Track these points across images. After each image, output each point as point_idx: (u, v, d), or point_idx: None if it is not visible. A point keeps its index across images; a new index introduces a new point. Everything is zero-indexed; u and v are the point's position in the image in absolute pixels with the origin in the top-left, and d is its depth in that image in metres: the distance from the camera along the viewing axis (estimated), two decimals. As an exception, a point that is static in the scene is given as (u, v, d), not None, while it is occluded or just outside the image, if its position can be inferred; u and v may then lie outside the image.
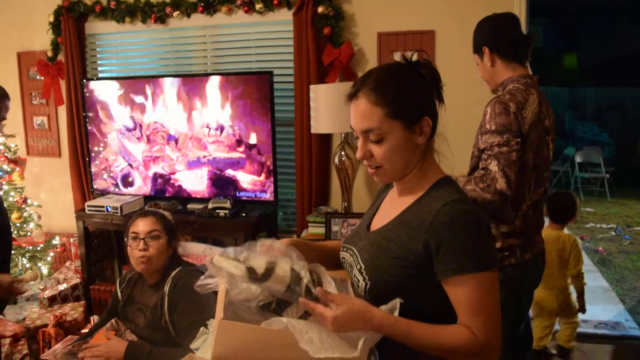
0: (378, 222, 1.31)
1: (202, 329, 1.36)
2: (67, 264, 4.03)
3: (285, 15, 3.39)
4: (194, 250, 3.30)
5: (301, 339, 1.09)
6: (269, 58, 3.57)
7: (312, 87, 3.11)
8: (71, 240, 4.00)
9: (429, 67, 1.21)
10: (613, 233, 6.47)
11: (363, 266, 1.22)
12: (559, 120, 12.53)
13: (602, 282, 4.72)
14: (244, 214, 3.30)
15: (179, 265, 2.10)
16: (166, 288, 2.00)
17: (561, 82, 12.30)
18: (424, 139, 1.20)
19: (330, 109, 2.95)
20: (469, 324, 1.11)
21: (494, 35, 2.04)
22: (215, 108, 3.39)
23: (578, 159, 8.80)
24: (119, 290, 2.22)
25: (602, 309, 4.01)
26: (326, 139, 3.34)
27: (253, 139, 3.34)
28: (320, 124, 3.03)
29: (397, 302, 1.13)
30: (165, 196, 3.63)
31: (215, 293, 1.24)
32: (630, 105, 12.79)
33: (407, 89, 1.18)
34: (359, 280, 1.23)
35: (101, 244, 3.93)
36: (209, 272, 1.20)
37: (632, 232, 6.48)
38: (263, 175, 3.36)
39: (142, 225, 2.05)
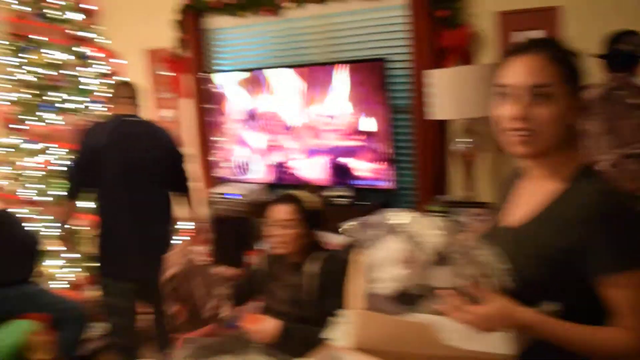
0: (518, 217, 1.24)
1: (336, 318, 1.36)
2: (199, 249, 4.30)
3: (398, 0, 3.33)
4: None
5: (446, 331, 1.09)
6: (383, 44, 3.53)
7: (428, 72, 3.04)
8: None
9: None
10: None
11: (506, 267, 1.17)
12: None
13: None
14: (362, 202, 3.33)
15: (320, 249, 2.15)
16: (311, 268, 2.06)
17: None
18: (576, 117, 1.16)
19: (449, 94, 2.89)
20: (626, 324, 1.06)
21: None
22: (332, 96, 3.43)
23: None
24: (260, 267, 2.29)
25: None
26: (445, 125, 3.27)
27: (370, 126, 3.35)
28: (438, 109, 2.97)
29: (552, 307, 1.10)
30: (284, 184, 3.75)
31: None
32: None
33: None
34: (505, 282, 1.18)
35: (226, 230, 4.15)
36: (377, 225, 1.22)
37: None
38: (381, 162, 3.36)
39: (277, 212, 2.10)
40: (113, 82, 3.73)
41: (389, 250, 1.21)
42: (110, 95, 3.16)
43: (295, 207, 2.11)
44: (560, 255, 1.10)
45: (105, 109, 3.82)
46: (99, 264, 2.96)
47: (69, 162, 3.13)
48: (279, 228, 2.08)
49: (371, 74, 3.28)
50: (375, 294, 1.26)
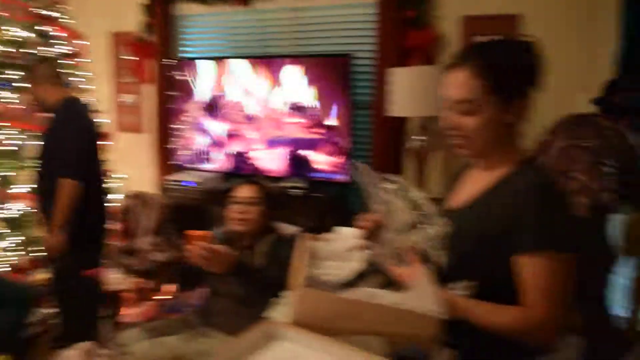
0: (460, 202, 1.32)
1: (278, 299, 1.38)
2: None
3: (367, -2, 3.38)
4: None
5: (380, 298, 1.11)
6: (349, 41, 3.58)
7: (391, 70, 3.09)
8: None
9: (536, 49, 1.21)
10: None
11: (443, 244, 1.23)
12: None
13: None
14: (318, 194, 3.34)
15: (275, 232, 2.24)
16: (261, 249, 2.14)
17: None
18: (516, 118, 1.19)
19: (409, 92, 2.93)
20: (529, 302, 1.11)
21: None
22: (294, 89, 3.44)
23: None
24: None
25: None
26: (403, 122, 3.32)
27: (331, 120, 3.37)
28: (398, 107, 3.01)
29: (470, 284, 1.15)
30: (242, 173, 3.73)
31: None
32: None
33: (513, 67, 1.17)
34: (437, 256, 1.24)
35: (180, 217, 4.09)
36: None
37: None
38: (339, 156, 3.38)
39: (244, 191, 2.21)
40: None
41: (339, 243, 1.26)
42: (51, 75, 3.02)
43: (258, 187, 2.24)
44: (493, 236, 1.17)
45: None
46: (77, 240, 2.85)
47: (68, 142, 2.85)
48: (242, 206, 2.17)
49: (336, 69, 3.31)
50: (319, 279, 1.30)
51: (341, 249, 1.35)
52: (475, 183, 1.29)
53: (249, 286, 2.04)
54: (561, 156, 2.49)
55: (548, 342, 1.14)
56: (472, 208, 1.25)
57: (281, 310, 1.29)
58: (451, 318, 1.12)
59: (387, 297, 1.13)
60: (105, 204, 3.08)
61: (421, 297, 1.11)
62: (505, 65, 1.16)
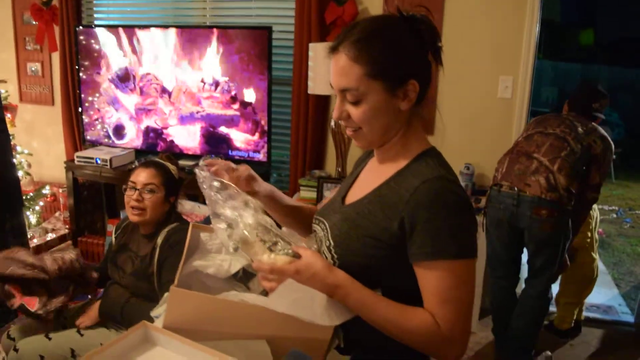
0: (354, 195, 1.19)
1: (165, 295, 1.29)
2: (57, 214, 3.98)
3: (288, -31, 3.23)
4: (182, 208, 3.23)
5: (269, 303, 1.02)
6: (269, 13, 3.44)
7: (311, 45, 2.98)
8: (60, 190, 3.93)
9: (426, 24, 1.06)
10: (614, 215, 6.36)
11: (332, 243, 1.11)
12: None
13: (599, 265, 4.64)
14: (235, 174, 3.21)
15: (176, 221, 2.05)
16: (159, 240, 1.97)
17: (574, 58, 12.02)
18: (408, 104, 1.06)
19: (329, 69, 2.83)
20: (434, 312, 1.00)
21: None
22: (211, 62, 3.27)
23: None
24: (113, 237, 2.17)
25: (596, 292, 3.93)
26: (324, 100, 3.23)
27: (249, 97, 3.23)
28: (318, 84, 2.91)
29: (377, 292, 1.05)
30: (156, 151, 3.54)
31: None
32: (643, 87, 12.57)
33: (394, 47, 1.03)
34: (326, 258, 1.12)
35: (91, 196, 3.86)
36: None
37: (634, 216, 6.37)
38: (257, 134, 3.26)
39: (141, 176, 2.00)
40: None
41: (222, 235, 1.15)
42: None
43: (156, 172, 2.02)
44: (385, 236, 1.04)
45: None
46: None
47: None
48: (138, 193, 1.98)
49: (256, 42, 3.15)
50: (203, 274, 1.21)
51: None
52: (371, 176, 1.17)
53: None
54: (528, 140, 2.58)
55: (457, 359, 1.05)
56: (360, 203, 1.13)
57: (162, 310, 1.20)
58: (346, 320, 1.04)
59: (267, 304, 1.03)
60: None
61: (309, 308, 1.02)
62: (384, 46, 1.03)
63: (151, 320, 1.21)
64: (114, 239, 2.16)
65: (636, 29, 12.37)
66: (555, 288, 3.03)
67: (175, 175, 2.09)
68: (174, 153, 3.49)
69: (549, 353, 2.82)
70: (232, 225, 1.04)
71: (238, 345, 1.06)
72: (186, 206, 3.24)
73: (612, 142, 2.54)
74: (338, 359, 1.09)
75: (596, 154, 2.48)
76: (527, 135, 2.62)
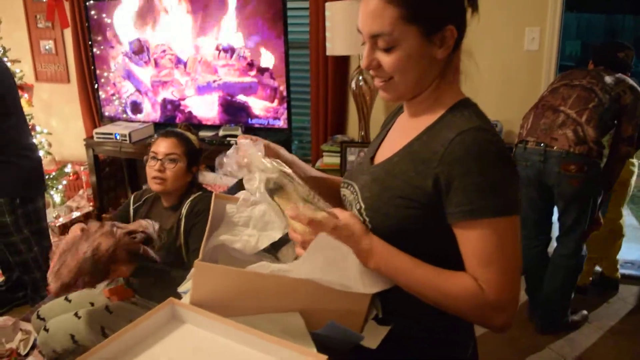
0: (383, 154, 1.10)
1: (192, 270, 1.23)
2: (80, 192, 3.98)
3: None
4: (203, 179, 3.20)
5: (297, 272, 0.96)
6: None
7: (328, 4, 2.85)
8: (82, 168, 3.92)
9: None
10: (645, 168, 6.18)
11: (363, 206, 1.03)
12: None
13: (632, 220, 4.52)
14: (256, 142, 3.14)
15: (198, 191, 2.03)
16: (183, 211, 1.94)
17: (598, 8, 11.60)
18: (445, 52, 0.97)
19: (348, 28, 2.72)
20: (477, 276, 0.92)
21: None
22: (226, 29, 3.17)
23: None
24: (131, 208, 2.13)
25: (630, 247, 3.82)
26: (343, 62, 3.12)
27: (265, 62, 3.14)
28: (336, 45, 2.80)
29: None
30: (175, 123, 3.48)
31: None
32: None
33: None
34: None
35: (113, 172, 3.85)
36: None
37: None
38: (276, 101, 3.17)
39: (162, 146, 1.96)
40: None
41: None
42: None
43: (178, 141, 1.98)
44: (419, 195, 0.96)
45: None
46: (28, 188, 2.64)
47: None
48: (160, 163, 1.94)
49: (269, 6, 3.04)
50: (230, 248, 1.14)
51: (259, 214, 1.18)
52: (401, 133, 1.09)
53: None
54: (554, 94, 2.49)
55: (504, 326, 0.97)
56: (391, 161, 1.05)
57: (189, 285, 1.14)
58: (382, 290, 0.97)
59: (297, 270, 0.97)
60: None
61: (343, 270, 0.95)
62: None
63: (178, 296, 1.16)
64: (131, 211, 2.12)
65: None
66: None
67: (196, 145, 2.05)
68: (193, 124, 3.43)
69: (585, 312, 2.75)
70: (267, 171, 0.98)
71: (270, 320, 1.01)
72: (207, 177, 3.20)
73: None
74: (378, 329, 1.03)
75: (626, 104, 2.36)
76: (553, 88, 2.51)
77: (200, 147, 2.07)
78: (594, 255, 2.95)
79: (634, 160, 2.82)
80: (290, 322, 1.01)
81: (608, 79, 2.39)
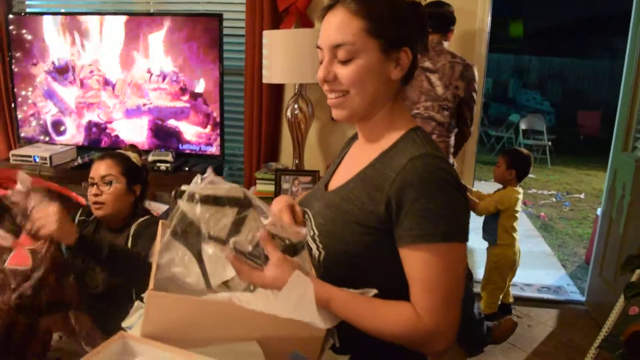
0: (338, 180, 1.12)
1: (136, 303, 1.17)
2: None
3: (237, -46, 3.12)
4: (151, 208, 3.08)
5: (253, 303, 0.94)
6: (219, 0, 3.30)
7: (265, 32, 2.87)
8: (-5, 192, 3.65)
9: (422, 6, 1.05)
10: (554, 199, 6.60)
11: (317, 232, 1.04)
12: (503, 86, 12.94)
13: (544, 247, 4.80)
14: (186, 168, 3.08)
15: (146, 214, 1.95)
16: (131, 231, 1.86)
17: (506, 49, 12.44)
18: (400, 73, 1.02)
19: (285, 57, 2.75)
20: (417, 302, 0.94)
21: None
22: (158, 52, 3.11)
23: (522, 126, 8.94)
24: (77, 219, 2.02)
25: (544, 273, 4.06)
26: (278, 90, 3.14)
27: (199, 88, 3.10)
28: (272, 73, 2.82)
29: (371, 291, 0.98)
30: (100, 147, 3.35)
31: None
32: (571, 75, 13.20)
33: (396, 8, 1.00)
34: (311, 250, 1.05)
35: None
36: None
37: (572, 199, 6.63)
38: (209, 127, 3.13)
39: (97, 170, 1.89)
40: None
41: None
42: None
43: (111, 162, 1.91)
44: (373, 220, 0.98)
45: None
46: None
47: None
48: (96, 187, 1.87)
49: (205, 31, 3.03)
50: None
51: None
52: (355, 160, 1.11)
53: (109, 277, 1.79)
54: None
55: (443, 351, 0.99)
56: (344, 188, 1.06)
57: (141, 318, 1.09)
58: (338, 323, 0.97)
59: (254, 302, 0.95)
60: None
61: (296, 305, 0.94)
62: (385, 8, 1.00)
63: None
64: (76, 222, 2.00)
65: (561, 18, 12.99)
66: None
67: (137, 163, 1.97)
68: (119, 148, 3.31)
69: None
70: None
71: (228, 349, 0.98)
72: (153, 207, 3.09)
73: None
74: (336, 359, 1.03)
75: None
76: None
77: (143, 164, 2.01)
78: (492, 286, 3.07)
79: (518, 188, 2.99)
80: (248, 351, 0.98)
81: None
